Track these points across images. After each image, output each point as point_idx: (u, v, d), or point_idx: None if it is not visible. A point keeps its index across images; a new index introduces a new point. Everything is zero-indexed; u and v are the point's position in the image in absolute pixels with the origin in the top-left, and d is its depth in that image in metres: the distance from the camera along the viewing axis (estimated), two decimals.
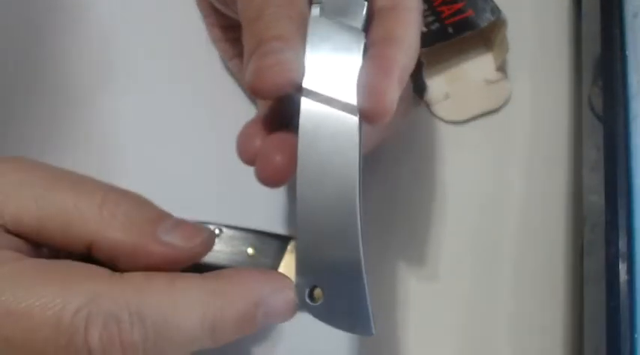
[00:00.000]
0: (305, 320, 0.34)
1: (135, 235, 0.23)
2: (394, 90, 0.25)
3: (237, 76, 0.39)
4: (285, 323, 0.34)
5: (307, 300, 0.24)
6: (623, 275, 0.27)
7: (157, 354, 0.22)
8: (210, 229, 0.25)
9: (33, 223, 0.23)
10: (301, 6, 0.27)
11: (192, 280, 0.23)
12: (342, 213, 0.24)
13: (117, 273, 0.23)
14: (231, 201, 0.37)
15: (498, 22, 0.37)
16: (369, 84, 0.25)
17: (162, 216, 0.24)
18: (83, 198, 0.23)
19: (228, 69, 0.39)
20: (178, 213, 0.26)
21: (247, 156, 0.28)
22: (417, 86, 0.39)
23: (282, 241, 0.34)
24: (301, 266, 0.24)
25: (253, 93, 0.26)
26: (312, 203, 0.25)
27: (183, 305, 0.22)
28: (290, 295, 0.24)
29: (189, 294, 0.23)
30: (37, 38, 0.42)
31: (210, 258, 0.33)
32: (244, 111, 0.38)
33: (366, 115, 0.25)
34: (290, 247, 0.34)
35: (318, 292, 0.24)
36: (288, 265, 0.33)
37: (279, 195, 0.37)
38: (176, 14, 0.41)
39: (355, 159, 0.25)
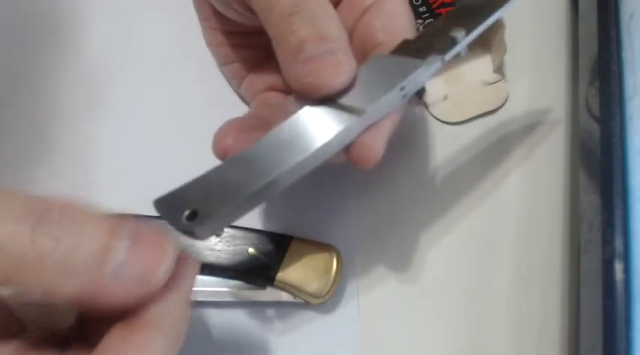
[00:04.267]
0: (305, 321, 0.35)
1: (82, 278, 0.20)
2: (382, 142, 0.27)
3: (232, 80, 0.39)
4: (285, 326, 0.34)
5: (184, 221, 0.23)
6: (619, 274, 0.27)
7: None
8: (172, 236, 0.21)
9: None
10: (328, 3, 0.27)
11: (154, 340, 0.21)
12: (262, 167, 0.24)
13: None
14: None
15: (496, 24, 0.37)
16: (361, 137, 0.26)
17: (112, 236, 0.20)
18: (11, 237, 0.19)
19: (221, 73, 0.39)
20: None
21: (219, 151, 0.29)
22: None
23: (282, 241, 0.34)
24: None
25: (306, 94, 0.26)
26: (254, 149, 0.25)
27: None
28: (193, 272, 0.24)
29: (149, 344, 0.21)
30: (31, 47, 0.42)
31: (211, 257, 0.33)
32: (239, 114, 0.38)
33: (354, 162, 0.26)
34: (290, 247, 0.34)
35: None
36: (288, 265, 0.33)
37: (279, 195, 0.37)
38: (171, 18, 0.41)
39: (321, 140, 0.25)
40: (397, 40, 0.28)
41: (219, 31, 0.37)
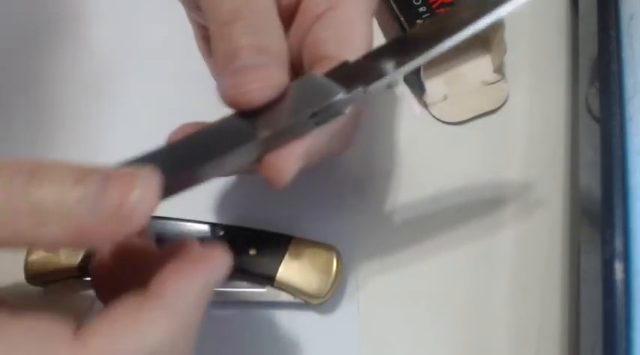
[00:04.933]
0: (305, 321, 0.35)
1: (60, 225, 0.20)
2: (291, 165, 0.25)
3: None
4: (285, 326, 0.34)
5: None
6: (619, 274, 0.27)
7: None
8: (144, 168, 0.21)
9: None
10: (274, 13, 0.26)
11: (154, 311, 0.21)
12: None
13: (81, 338, 0.21)
14: (231, 201, 0.37)
15: (496, 24, 0.38)
16: (270, 157, 0.25)
17: (80, 182, 0.20)
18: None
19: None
20: (179, 214, 0.26)
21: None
22: (415, 87, 0.39)
23: (282, 241, 0.34)
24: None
25: (230, 106, 0.25)
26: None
27: (150, 333, 0.21)
28: (223, 263, 0.24)
29: (156, 323, 0.21)
30: (32, 45, 0.42)
31: None
32: None
33: (265, 180, 0.25)
34: (290, 247, 0.34)
35: None
36: (288, 265, 0.33)
37: (279, 195, 0.37)
38: (171, 20, 0.41)
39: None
40: (345, 53, 0.27)
41: (203, 38, 0.36)
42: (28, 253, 0.34)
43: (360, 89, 0.25)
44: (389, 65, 0.25)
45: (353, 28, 0.28)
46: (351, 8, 0.28)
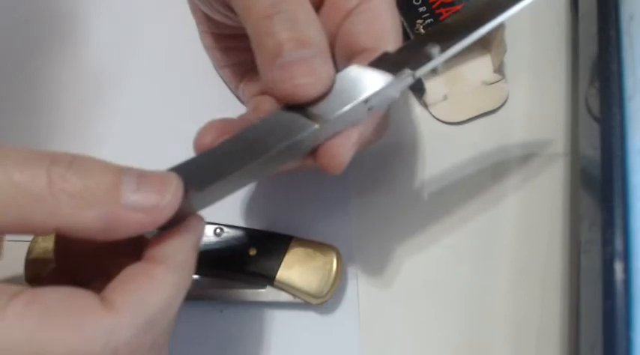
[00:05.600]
0: (305, 321, 0.35)
1: (99, 209, 0.22)
2: (348, 151, 0.26)
3: (229, 83, 0.39)
4: (285, 326, 0.34)
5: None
6: (619, 274, 0.27)
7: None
8: (174, 175, 0.23)
9: None
10: (309, 5, 0.27)
11: (165, 274, 0.23)
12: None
13: (106, 300, 0.22)
14: (231, 201, 0.37)
15: None
16: (326, 144, 0.26)
17: (119, 175, 0.22)
18: (28, 180, 0.21)
19: (220, 76, 0.40)
20: None
21: (198, 149, 0.29)
22: (415, 87, 0.39)
23: (282, 241, 0.34)
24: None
25: (282, 99, 0.26)
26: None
27: (165, 291, 0.23)
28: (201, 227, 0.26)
29: (168, 283, 0.23)
30: (32, 46, 0.42)
31: (211, 257, 0.33)
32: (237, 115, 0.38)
33: (320, 168, 0.27)
34: (290, 247, 0.34)
35: None
36: (288, 265, 0.33)
37: (279, 195, 0.37)
38: (171, 20, 0.41)
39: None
40: (381, 44, 0.28)
41: (211, 34, 0.37)
42: (28, 253, 0.34)
43: (408, 72, 0.26)
44: (434, 49, 0.26)
45: (385, 20, 0.29)
46: (381, 1, 0.29)
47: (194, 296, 0.33)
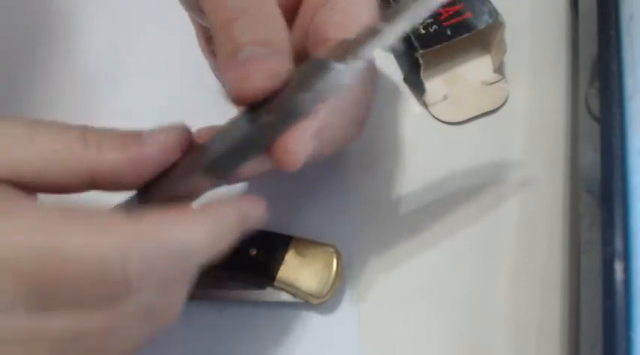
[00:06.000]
0: (305, 321, 0.35)
1: (126, 149, 0.24)
2: (303, 145, 0.26)
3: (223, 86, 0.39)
4: (285, 326, 0.34)
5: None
6: (619, 274, 0.27)
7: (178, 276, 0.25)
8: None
9: (34, 174, 0.23)
10: (274, 7, 0.27)
11: (196, 209, 0.25)
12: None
13: (131, 215, 0.23)
14: None
15: (496, 25, 0.38)
16: (279, 139, 0.26)
17: (140, 132, 0.25)
18: (67, 138, 0.24)
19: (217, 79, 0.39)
20: None
21: None
22: (415, 87, 0.39)
23: (282, 241, 0.34)
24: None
25: (234, 100, 0.26)
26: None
27: (195, 230, 0.24)
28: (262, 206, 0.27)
29: (197, 221, 0.24)
30: (26, 49, 0.42)
31: None
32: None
33: (277, 165, 0.27)
34: (290, 247, 0.34)
35: None
36: (288, 265, 0.33)
37: (279, 195, 0.37)
38: (170, 20, 0.41)
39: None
40: (352, 33, 0.27)
41: (203, 36, 0.37)
42: None
43: (352, 56, 0.25)
44: (381, 26, 0.25)
45: (357, 11, 0.28)
46: None
47: (194, 296, 0.33)
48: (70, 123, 0.25)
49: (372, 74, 0.32)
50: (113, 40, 0.42)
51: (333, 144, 0.30)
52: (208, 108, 0.39)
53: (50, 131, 0.24)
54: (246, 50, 0.25)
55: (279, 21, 0.27)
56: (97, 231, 0.22)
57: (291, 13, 0.30)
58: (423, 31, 0.37)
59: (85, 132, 0.24)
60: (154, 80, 0.40)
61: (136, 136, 0.25)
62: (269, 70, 0.25)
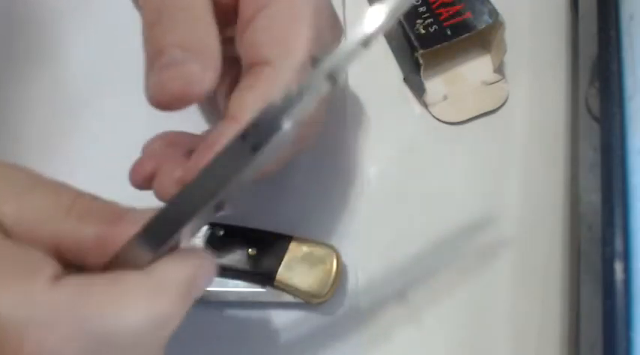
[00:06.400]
0: (305, 321, 0.35)
1: (100, 225, 0.22)
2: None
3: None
4: (285, 326, 0.34)
5: None
6: (619, 275, 0.27)
7: None
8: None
9: (11, 218, 0.22)
10: (203, 8, 0.25)
11: (132, 277, 0.22)
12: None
13: (60, 275, 0.21)
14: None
15: (496, 25, 0.38)
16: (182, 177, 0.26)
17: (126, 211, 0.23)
18: (56, 201, 0.23)
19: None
20: None
21: (133, 180, 0.29)
22: (415, 87, 0.39)
23: (282, 241, 0.34)
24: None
25: (155, 106, 0.25)
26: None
27: (126, 303, 0.21)
28: (211, 264, 0.24)
29: (132, 292, 0.21)
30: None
31: None
32: None
33: None
34: (290, 247, 0.34)
35: None
36: (288, 264, 0.33)
37: (279, 195, 0.37)
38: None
39: None
40: (286, 53, 0.25)
41: None
42: None
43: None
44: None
45: (285, 26, 0.26)
46: (284, 4, 0.26)
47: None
48: (72, 188, 0.24)
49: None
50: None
51: (268, 166, 0.28)
52: (193, 118, 0.38)
53: (48, 190, 0.23)
54: (167, 53, 0.24)
55: (207, 24, 0.25)
56: (4, 285, 0.20)
57: (230, 15, 0.28)
58: (423, 31, 0.37)
59: (76, 204, 0.23)
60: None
61: (118, 216, 0.23)
62: (189, 75, 0.24)
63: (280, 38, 0.26)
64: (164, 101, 0.24)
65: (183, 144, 0.30)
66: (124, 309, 0.21)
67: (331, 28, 0.29)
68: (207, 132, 0.31)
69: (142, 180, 0.28)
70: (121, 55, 0.40)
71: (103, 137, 0.39)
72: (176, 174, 0.27)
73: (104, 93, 0.40)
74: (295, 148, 0.30)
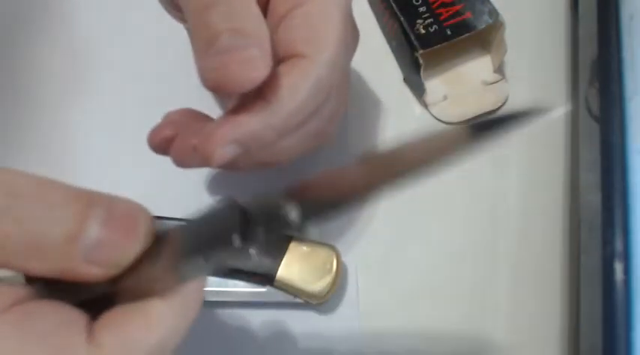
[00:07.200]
0: (305, 321, 0.35)
1: (54, 264, 0.20)
2: (224, 152, 0.26)
3: None
4: (285, 326, 0.34)
5: None
6: (619, 275, 0.27)
7: None
8: (146, 212, 0.21)
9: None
10: (254, 3, 0.26)
11: (162, 314, 0.21)
12: None
13: (93, 338, 0.20)
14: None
15: (496, 25, 0.38)
16: (201, 143, 0.25)
17: (79, 223, 0.20)
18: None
19: None
20: (178, 214, 0.26)
21: (153, 144, 0.30)
22: (415, 87, 0.39)
23: (282, 241, 0.34)
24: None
25: (211, 90, 0.25)
26: None
27: (163, 333, 0.21)
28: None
29: (165, 321, 0.21)
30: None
31: None
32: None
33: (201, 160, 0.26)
34: (290, 247, 0.34)
35: None
36: (288, 265, 0.33)
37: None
38: (160, 10, 0.41)
39: None
40: (321, 49, 0.26)
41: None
42: None
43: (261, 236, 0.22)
44: (292, 213, 0.22)
45: (320, 24, 0.27)
46: (319, 4, 0.27)
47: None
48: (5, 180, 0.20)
49: (340, 83, 0.30)
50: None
51: (287, 154, 0.29)
52: (195, 97, 0.38)
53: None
54: (223, 38, 0.24)
55: (256, 12, 0.26)
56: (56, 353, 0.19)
57: (262, 9, 0.28)
58: (423, 31, 0.37)
59: (3, 222, 0.20)
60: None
61: (71, 239, 0.20)
62: (250, 60, 0.24)
63: (316, 35, 0.27)
64: (223, 84, 0.25)
65: (202, 119, 0.31)
66: (159, 337, 0.21)
67: (353, 29, 0.31)
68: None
69: (159, 142, 0.29)
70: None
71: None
72: (193, 140, 0.27)
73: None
74: (315, 142, 0.30)
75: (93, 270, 0.20)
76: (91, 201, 0.20)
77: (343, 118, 0.38)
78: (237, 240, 0.21)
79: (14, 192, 0.20)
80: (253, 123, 0.26)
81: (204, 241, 0.22)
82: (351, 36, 0.30)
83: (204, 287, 0.23)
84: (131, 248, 0.21)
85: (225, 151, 0.26)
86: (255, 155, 0.28)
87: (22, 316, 0.20)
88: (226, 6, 0.25)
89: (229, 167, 0.29)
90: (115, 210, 0.21)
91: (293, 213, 0.22)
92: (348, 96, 0.32)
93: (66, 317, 0.20)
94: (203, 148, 0.26)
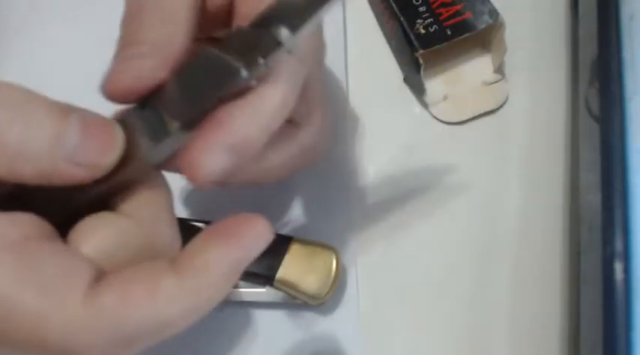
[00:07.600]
0: (305, 322, 0.35)
1: (40, 167, 0.21)
2: (210, 158, 0.23)
3: None
4: (284, 326, 0.34)
5: None
6: (619, 275, 0.27)
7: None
8: (118, 128, 0.22)
9: None
10: (180, 12, 0.25)
11: (169, 285, 0.21)
12: None
13: (93, 287, 0.20)
14: (230, 201, 0.37)
15: (496, 25, 0.38)
16: (185, 156, 0.23)
17: (63, 121, 0.21)
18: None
19: None
20: (178, 213, 0.26)
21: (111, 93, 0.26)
22: (415, 87, 0.39)
23: (282, 241, 0.34)
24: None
25: (104, 95, 0.24)
26: None
27: (166, 315, 0.21)
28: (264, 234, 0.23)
29: (172, 303, 0.21)
30: None
31: None
32: None
33: (188, 180, 0.24)
34: (290, 247, 0.34)
35: None
36: (288, 265, 0.33)
37: (279, 195, 0.37)
38: None
39: None
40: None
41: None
42: None
43: (261, 62, 0.23)
44: (284, 31, 0.23)
45: None
46: None
47: None
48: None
49: (318, 93, 0.29)
50: None
51: (278, 171, 0.29)
52: None
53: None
54: (129, 48, 0.24)
55: (178, 23, 0.25)
56: (49, 303, 0.20)
57: (225, 16, 0.28)
58: (423, 31, 0.37)
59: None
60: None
61: (55, 138, 0.21)
62: (137, 70, 0.24)
63: None
64: (110, 93, 0.24)
65: None
66: (161, 317, 0.21)
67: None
68: None
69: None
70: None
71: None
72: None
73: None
74: (304, 160, 0.30)
75: (77, 171, 0.21)
76: (68, 108, 0.22)
77: (342, 119, 0.38)
78: (244, 72, 0.23)
79: (1, 101, 0.21)
80: (239, 123, 0.24)
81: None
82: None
83: (228, 280, 0.22)
84: (110, 147, 0.22)
85: (213, 161, 0.23)
86: (246, 170, 0.28)
87: (22, 256, 0.20)
88: (144, 18, 0.25)
89: (218, 185, 0.26)
90: (90, 115, 0.22)
91: (283, 32, 0.23)
92: (329, 107, 0.31)
93: (68, 265, 0.21)
94: (187, 163, 0.23)
